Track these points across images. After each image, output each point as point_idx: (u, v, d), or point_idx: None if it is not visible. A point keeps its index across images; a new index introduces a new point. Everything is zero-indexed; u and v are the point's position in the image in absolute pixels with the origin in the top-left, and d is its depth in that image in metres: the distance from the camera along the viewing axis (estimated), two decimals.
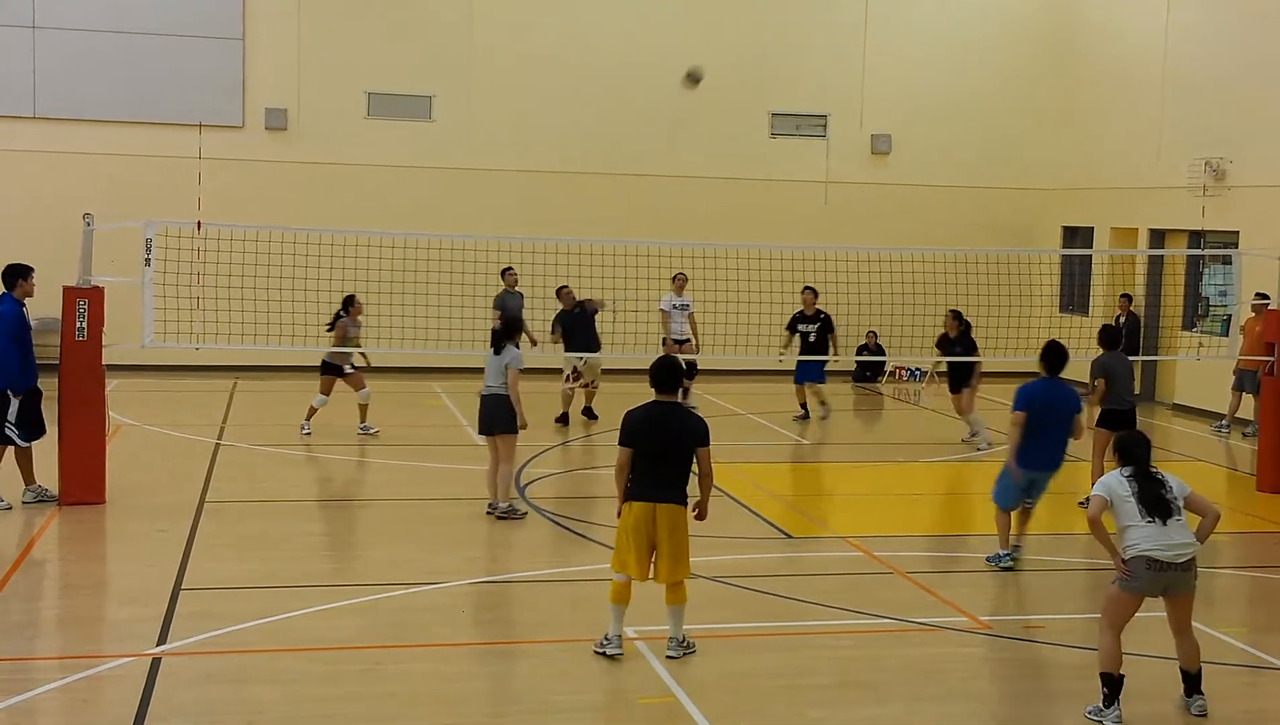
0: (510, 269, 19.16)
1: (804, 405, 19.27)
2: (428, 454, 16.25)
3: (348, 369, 16.97)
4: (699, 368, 19.31)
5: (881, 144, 24.89)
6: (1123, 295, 22.10)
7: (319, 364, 17.00)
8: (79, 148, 22.07)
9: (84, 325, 12.91)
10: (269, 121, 22.82)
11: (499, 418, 12.82)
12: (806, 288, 19.09)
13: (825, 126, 24.79)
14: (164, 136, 22.32)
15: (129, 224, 13.77)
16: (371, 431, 17.05)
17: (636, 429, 8.85)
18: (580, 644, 9.35)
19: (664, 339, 19.14)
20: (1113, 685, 8.13)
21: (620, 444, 8.89)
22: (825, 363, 19.06)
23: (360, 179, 22.82)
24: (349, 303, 16.85)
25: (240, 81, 22.77)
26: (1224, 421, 19.23)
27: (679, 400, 9.08)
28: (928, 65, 24.79)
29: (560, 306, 18.68)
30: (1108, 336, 14.05)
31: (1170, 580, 8.09)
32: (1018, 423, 11.25)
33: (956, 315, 17.63)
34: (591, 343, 18.49)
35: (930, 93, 24.80)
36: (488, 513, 12.87)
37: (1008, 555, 11.58)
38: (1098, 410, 13.59)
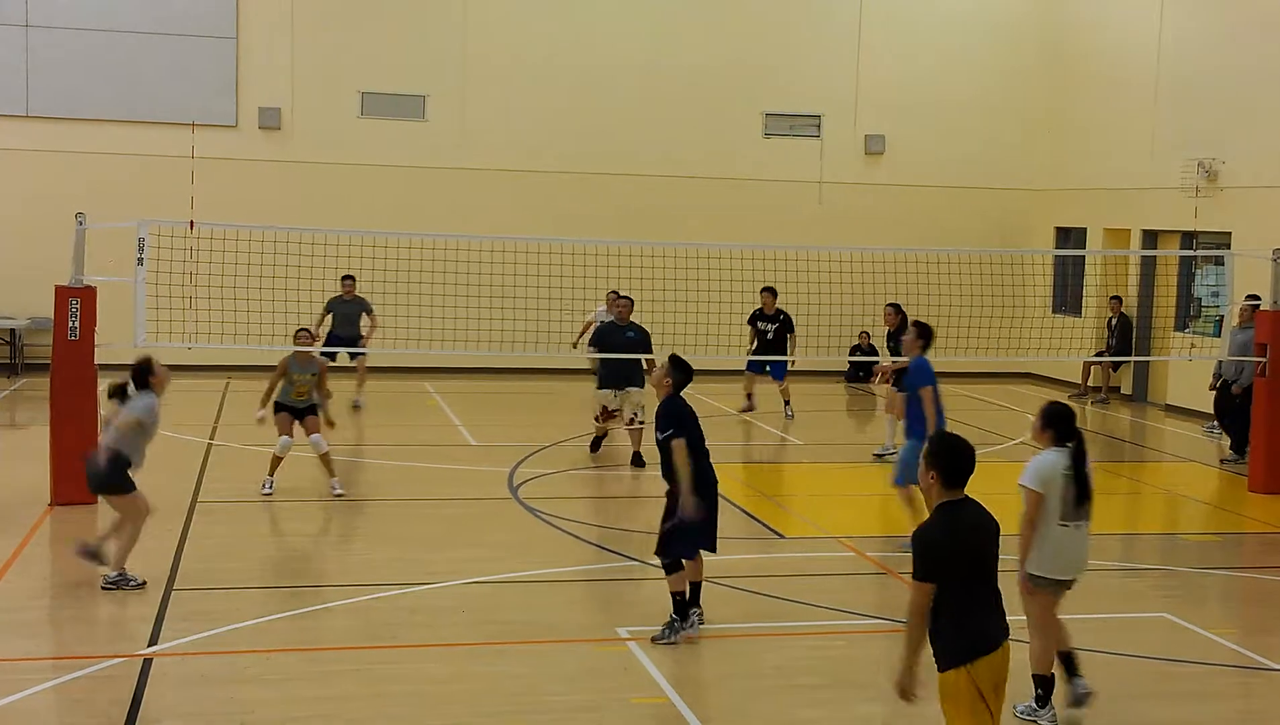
0: (350, 276, 18.75)
1: (750, 396, 19.19)
2: (421, 454, 16.25)
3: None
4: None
5: (875, 144, 24.92)
6: (1113, 297, 22.16)
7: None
8: (72, 147, 22.04)
9: (76, 325, 12.88)
10: (262, 121, 22.81)
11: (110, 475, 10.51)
12: (766, 288, 19.30)
13: (819, 127, 24.81)
14: (157, 136, 22.29)
15: (122, 223, 13.74)
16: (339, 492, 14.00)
17: (944, 552, 6.18)
18: (573, 644, 9.36)
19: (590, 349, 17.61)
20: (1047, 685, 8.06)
21: (920, 579, 6.19)
22: (786, 362, 19.13)
23: (354, 178, 22.81)
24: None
25: (234, 81, 22.75)
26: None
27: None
28: (921, 66, 24.82)
29: (610, 317, 16.45)
30: None
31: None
32: (929, 397, 11.81)
33: (896, 308, 17.57)
34: (632, 374, 15.64)
35: (924, 93, 24.83)
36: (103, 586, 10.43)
37: None
38: None
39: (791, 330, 19.29)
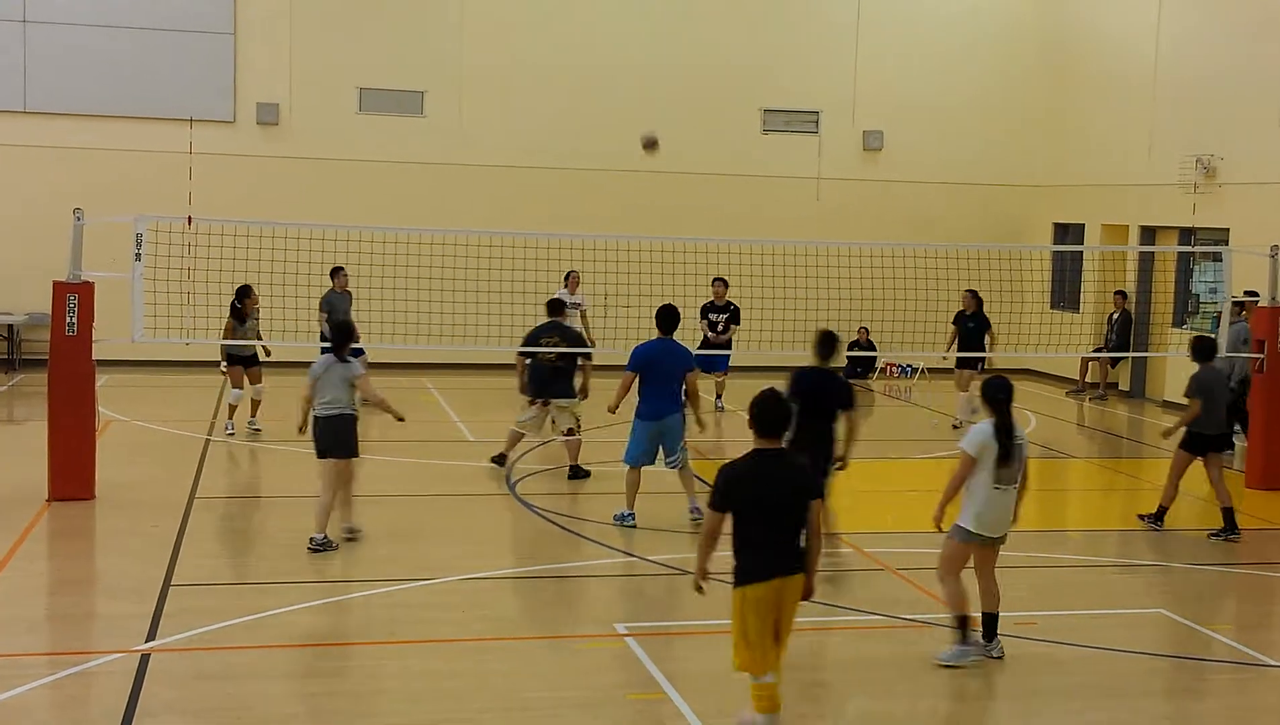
0: (341, 268, 18.48)
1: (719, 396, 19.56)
2: (417, 450, 16.24)
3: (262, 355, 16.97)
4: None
5: (873, 140, 24.91)
6: (1118, 292, 22.15)
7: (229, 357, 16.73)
8: (70, 143, 22.03)
9: (74, 320, 12.87)
10: (260, 117, 22.80)
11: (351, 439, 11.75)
12: (717, 279, 19.56)
13: (817, 123, 24.80)
14: (155, 131, 22.28)
15: (119, 219, 13.73)
16: (257, 428, 16.89)
17: (736, 487, 7.23)
18: (570, 639, 9.37)
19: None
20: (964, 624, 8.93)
21: (711, 506, 7.33)
22: (729, 356, 19.47)
23: (351, 174, 22.80)
24: (245, 294, 16.40)
25: (232, 76, 22.74)
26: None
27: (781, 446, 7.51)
28: (920, 62, 24.82)
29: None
30: (1203, 349, 12.96)
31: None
32: (626, 382, 12.54)
33: (974, 294, 18.69)
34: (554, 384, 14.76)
35: (922, 89, 24.82)
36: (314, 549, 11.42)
37: (630, 515, 12.48)
38: (1182, 430, 12.85)
39: (737, 322, 19.50)
